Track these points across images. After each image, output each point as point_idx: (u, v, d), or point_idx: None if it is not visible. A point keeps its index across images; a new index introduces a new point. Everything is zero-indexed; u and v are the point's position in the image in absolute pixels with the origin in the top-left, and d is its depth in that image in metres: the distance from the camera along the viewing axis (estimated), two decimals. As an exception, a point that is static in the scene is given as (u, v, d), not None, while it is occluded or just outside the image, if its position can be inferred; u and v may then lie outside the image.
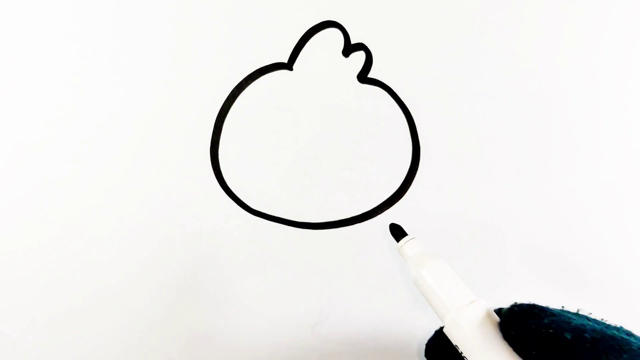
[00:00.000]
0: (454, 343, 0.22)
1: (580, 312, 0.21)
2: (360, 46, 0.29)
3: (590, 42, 0.30)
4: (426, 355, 0.23)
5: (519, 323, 0.20)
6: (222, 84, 0.29)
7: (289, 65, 0.29)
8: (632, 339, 0.19)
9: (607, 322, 0.20)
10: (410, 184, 0.29)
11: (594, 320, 0.20)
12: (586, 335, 0.19)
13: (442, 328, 0.22)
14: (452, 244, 0.29)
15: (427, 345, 0.23)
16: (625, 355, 0.18)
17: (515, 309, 0.21)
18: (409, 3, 0.29)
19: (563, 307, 0.21)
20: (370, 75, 0.30)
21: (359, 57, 0.29)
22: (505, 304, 0.21)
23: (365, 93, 0.30)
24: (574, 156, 0.31)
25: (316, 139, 0.29)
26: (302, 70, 0.29)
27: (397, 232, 0.26)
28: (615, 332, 0.20)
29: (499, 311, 0.21)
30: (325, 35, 0.29)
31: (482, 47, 0.30)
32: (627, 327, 0.20)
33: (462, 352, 0.21)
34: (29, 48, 0.28)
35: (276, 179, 0.29)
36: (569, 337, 0.19)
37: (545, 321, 0.20)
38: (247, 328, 0.29)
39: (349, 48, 0.29)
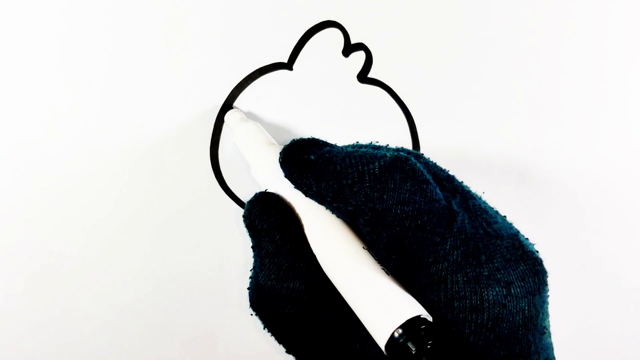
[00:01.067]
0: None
1: None
2: (360, 46, 0.29)
3: (592, 42, 0.30)
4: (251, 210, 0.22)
5: (292, 157, 0.20)
6: (222, 84, 0.29)
7: (289, 65, 0.29)
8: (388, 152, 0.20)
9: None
10: (410, 184, 0.29)
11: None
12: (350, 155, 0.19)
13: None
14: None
15: (249, 202, 0.22)
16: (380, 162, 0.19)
17: (291, 143, 0.21)
18: (409, 3, 0.29)
19: None
20: (370, 75, 0.30)
21: (359, 57, 0.30)
22: None
23: (365, 93, 0.30)
24: (575, 157, 0.31)
25: (316, 139, 0.29)
26: (302, 70, 0.29)
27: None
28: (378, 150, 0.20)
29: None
30: (325, 35, 0.29)
31: (482, 47, 0.30)
32: None
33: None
34: (29, 48, 0.28)
35: (276, 179, 0.29)
36: (338, 160, 0.19)
37: (312, 157, 0.20)
38: (247, 328, 0.29)
39: (349, 48, 0.29)
